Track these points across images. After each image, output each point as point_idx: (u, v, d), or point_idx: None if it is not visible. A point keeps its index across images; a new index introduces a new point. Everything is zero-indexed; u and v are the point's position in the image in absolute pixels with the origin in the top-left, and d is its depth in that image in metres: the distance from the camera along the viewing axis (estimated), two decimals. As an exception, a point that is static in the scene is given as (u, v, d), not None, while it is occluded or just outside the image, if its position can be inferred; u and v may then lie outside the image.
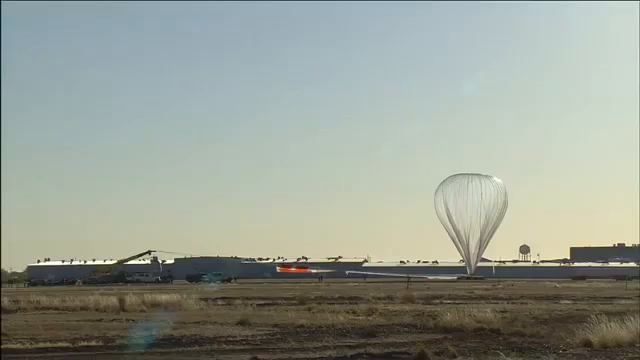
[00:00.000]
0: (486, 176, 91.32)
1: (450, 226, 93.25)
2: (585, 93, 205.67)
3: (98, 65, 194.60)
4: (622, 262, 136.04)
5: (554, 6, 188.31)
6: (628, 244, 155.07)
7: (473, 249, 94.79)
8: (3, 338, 18.96)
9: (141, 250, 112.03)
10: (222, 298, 40.01)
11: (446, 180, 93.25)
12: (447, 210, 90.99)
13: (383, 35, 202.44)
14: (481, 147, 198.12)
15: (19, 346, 17.55)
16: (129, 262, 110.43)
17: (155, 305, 33.00)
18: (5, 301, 34.11)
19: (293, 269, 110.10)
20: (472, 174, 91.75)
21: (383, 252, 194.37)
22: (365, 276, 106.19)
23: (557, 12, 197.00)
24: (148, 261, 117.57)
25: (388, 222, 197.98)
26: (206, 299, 37.07)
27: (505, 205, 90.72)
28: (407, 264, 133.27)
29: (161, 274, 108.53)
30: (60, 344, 17.91)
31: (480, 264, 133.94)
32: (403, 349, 16.83)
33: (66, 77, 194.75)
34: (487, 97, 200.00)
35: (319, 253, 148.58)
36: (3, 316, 27.03)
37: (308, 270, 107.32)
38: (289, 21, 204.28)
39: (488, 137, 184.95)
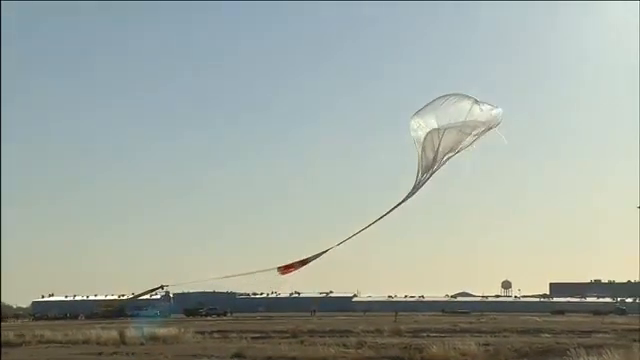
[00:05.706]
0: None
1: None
2: (568, 130, 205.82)
3: (87, 109, 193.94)
4: (598, 297, 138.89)
5: (554, 6, 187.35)
6: (604, 280, 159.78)
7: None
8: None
9: (145, 284, 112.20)
10: (218, 331, 40.95)
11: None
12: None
13: (382, 38, 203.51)
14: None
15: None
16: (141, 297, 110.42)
17: (154, 339, 34.11)
18: (10, 335, 35.09)
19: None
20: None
21: (371, 287, 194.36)
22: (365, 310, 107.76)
23: (557, 13, 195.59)
24: (159, 295, 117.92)
25: (376, 257, 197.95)
26: (202, 332, 38.03)
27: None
28: (395, 299, 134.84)
29: (161, 309, 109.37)
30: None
31: (464, 299, 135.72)
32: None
33: (65, 113, 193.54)
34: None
35: (311, 288, 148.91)
36: (7, 350, 28.15)
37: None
38: (281, 35, 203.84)
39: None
